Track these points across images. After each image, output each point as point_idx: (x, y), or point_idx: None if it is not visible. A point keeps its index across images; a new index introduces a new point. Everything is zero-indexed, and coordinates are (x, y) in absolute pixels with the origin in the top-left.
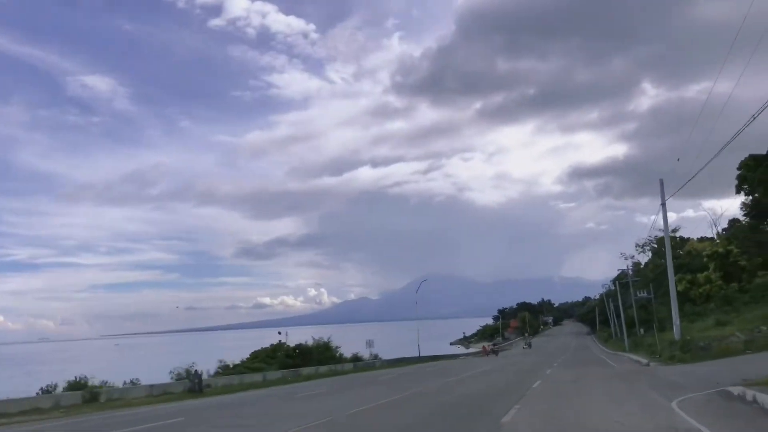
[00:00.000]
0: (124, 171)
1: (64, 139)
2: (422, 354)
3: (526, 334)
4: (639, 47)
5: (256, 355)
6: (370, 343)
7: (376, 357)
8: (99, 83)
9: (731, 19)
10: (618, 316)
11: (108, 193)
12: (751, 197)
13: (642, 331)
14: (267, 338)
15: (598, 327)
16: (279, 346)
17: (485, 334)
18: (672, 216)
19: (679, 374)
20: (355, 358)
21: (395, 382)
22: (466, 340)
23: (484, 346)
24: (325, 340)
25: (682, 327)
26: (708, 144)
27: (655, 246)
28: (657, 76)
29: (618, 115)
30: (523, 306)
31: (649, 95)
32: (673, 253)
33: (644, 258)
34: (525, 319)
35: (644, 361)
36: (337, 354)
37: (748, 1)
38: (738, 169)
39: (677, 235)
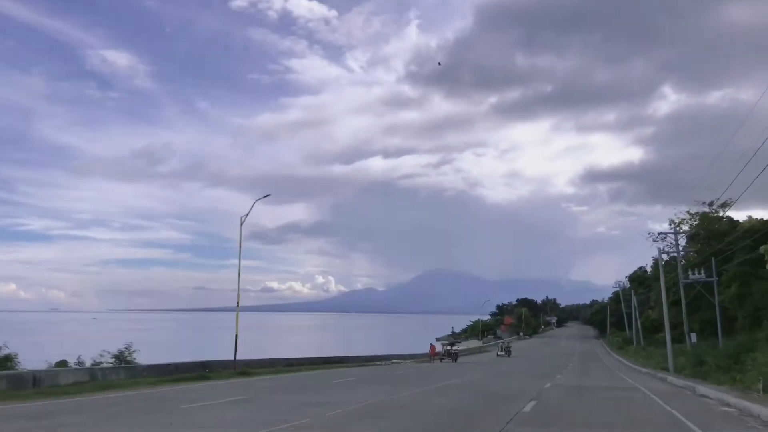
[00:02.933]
0: (135, 147)
1: (83, 113)
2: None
3: (521, 333)
4: (661, 50)
5: None
6: None
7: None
8: (119, 58)
9: (758, 24)
10: (638, 315)
11: (118, 168)
12: None
13: (692, 338)
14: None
15: (609, 330)
16: None
17: (476, 330)
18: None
19: None
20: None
21: None
22: (453, 336)
23: (432, 346)
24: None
25: None
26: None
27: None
28: (678, 80)
29: (636, 118)
30: (524, 302)
31: (669, 100)
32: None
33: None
34: (522, 316)
35: None
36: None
37: None
38: None
39: (724, 214)
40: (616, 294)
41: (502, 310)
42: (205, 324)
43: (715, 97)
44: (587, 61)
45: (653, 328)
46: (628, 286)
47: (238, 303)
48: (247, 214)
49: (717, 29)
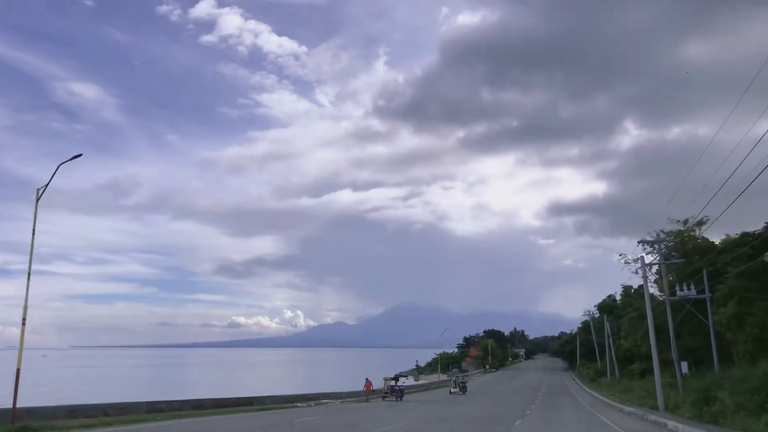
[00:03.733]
0: (100, 180)
1: (47, 145)
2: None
3: (487, 366)
4: (623, 86)
5: None
6: None
7: None
8: (86, 91)
9: (713, 62)
10: (611, 343)
11: (83, 201)
12: None
13: (683, 367)
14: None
15: (579, 362)
16: None
17: (440, 363)
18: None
19: None
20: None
21: None
22: (417, 370)
23: (368, 382)
24: None
25: None
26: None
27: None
28: (639, 115)
29: (599, 153)
30: (491, 334)
31: (631, 134)
32: None
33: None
34: (488, 348)
35: None
36: None
37: (730, 47)
38: None
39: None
40: (585, 324)
41: (469, 343)
42: (153, 361)
43: (674, 132)
44: (551, 96)
45: (625, 359)
46: (598, 315)
47: (23, 333)
48: (48, 183)
49: (676, 66)
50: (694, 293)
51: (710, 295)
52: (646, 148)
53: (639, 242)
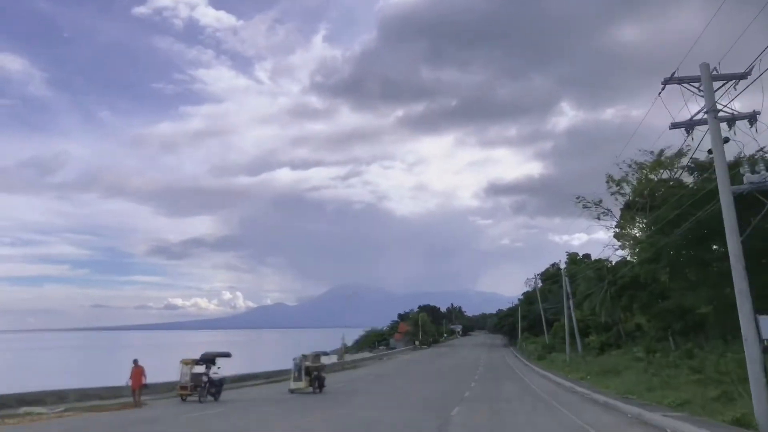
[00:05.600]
0: (23, 157)
1: None
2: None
3: (416, 342)
4: (559, 66)
5: None
6: None
7: None
8: (10, 63)
9: (645, 44)
10: (572, 307)
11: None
12: None
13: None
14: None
15: (521, 336)
16: None
17: (369, 341)
18: (584, 237)
19: None
20: None
21: None
22: (345, 349)
23: (137, 369)
24: None
25: None
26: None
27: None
28: (575, 96)
29: (536, 133)
30: (426, 309)
31: (567, 115)
32: None
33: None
34: (418, 322)
35: None
36: None
37: (661, 29)
38: None
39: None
40: (527, 295)
41: (402, 319)
42: (83, 344)
43: (609, 113)
44: (489, 76)
45: (578, 332)
46: (541, 285)
47: None
48: None
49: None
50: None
51: None
52: (582, 129)
53: (607, 179)
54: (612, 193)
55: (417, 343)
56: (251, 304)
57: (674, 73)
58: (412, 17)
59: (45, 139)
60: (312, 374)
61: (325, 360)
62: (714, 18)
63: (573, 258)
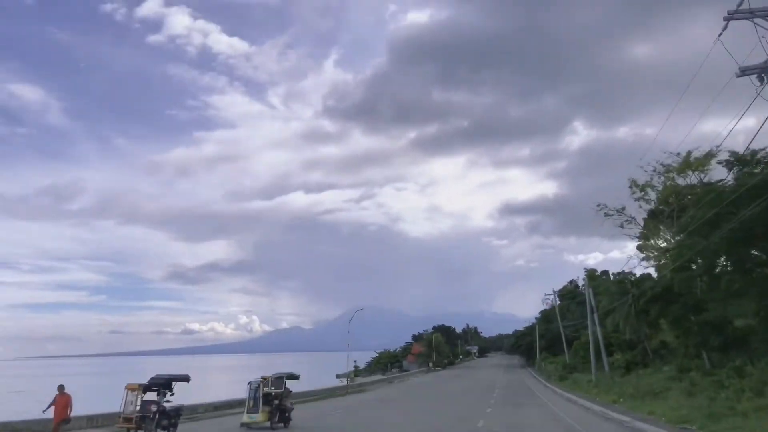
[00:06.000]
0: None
1: None
2: None
3: (431, 364)
4: (571, 86)
5: None
6: None
7: None
8: (28, 93)
9: (657, 62)
10: (597, 321)
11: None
12: None
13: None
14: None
15: (539, 355)
16: None
17: (382, 363)
18: (599, 256)
19: None
20: None
21: None
22: (356, 372)
23: (62, 397)
24: None
25: None
26: None
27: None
28: (588, 115)
29: (549, 153)
30: (441, 329)
31: (580, 135)
32: None
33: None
34: (432, 343)
35: None
36: None
37: (673, 47)
38: None
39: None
40: (544, 313)
41: (417, 340)
42: (99, 370)
43: (622, 131)
44: (501, 97)
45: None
46: (559, 303)
47: None
48: None
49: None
50: None
51: None
52: (595, 148)
53: (630, 185)
54: (636, 199)
55: (431, 364)
56: (267, 328)
57: (741, 2)
58: (423, 40)
59: (62, 166)
60: (272, 404)
61: (293, 384)
62: None
63: (591, 274)
